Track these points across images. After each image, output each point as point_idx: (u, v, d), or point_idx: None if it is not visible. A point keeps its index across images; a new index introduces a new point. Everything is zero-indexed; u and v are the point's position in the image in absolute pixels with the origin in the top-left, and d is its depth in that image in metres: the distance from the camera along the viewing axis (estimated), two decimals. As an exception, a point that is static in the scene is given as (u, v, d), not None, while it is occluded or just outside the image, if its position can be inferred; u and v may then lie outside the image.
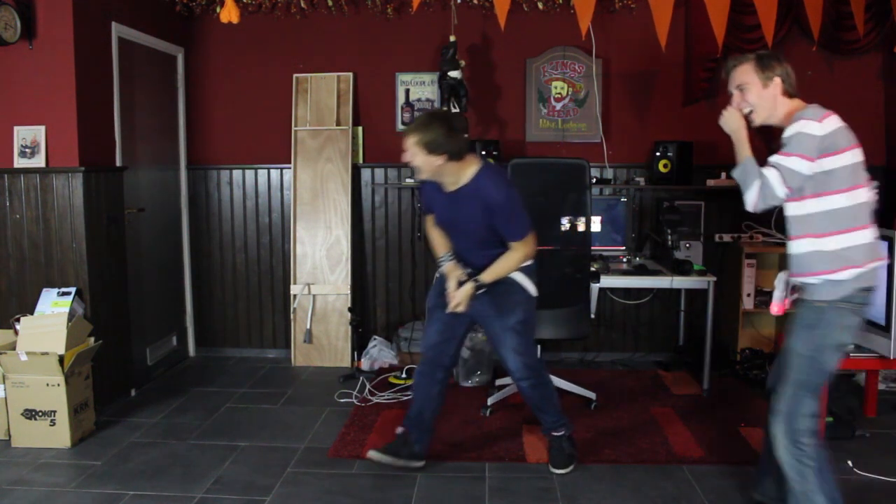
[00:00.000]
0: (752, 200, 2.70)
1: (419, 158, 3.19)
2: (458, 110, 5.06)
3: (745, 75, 2.82)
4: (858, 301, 2.66)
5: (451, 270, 3.45)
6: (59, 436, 3.84)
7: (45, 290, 4.12)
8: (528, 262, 3.45)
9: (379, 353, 5.25)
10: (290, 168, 5.44)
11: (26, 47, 4.09)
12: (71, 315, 3.95)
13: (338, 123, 5.39)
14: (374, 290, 5.61)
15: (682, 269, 4.53)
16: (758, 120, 2.84)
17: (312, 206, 5.39)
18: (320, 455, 3.79)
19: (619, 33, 5.27)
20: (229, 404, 4.54)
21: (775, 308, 3.00)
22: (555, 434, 3.63)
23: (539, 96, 5.38)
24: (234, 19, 4.29)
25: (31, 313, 4.04)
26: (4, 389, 3.87)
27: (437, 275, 3.64)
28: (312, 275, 5.38)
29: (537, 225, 4.05)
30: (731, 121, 2.84)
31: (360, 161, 5.49)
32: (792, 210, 2.72)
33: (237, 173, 5.54)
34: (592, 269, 4.31)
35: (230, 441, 3.95)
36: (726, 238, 5.22)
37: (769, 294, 4.94)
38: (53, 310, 4.01)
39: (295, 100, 5.43)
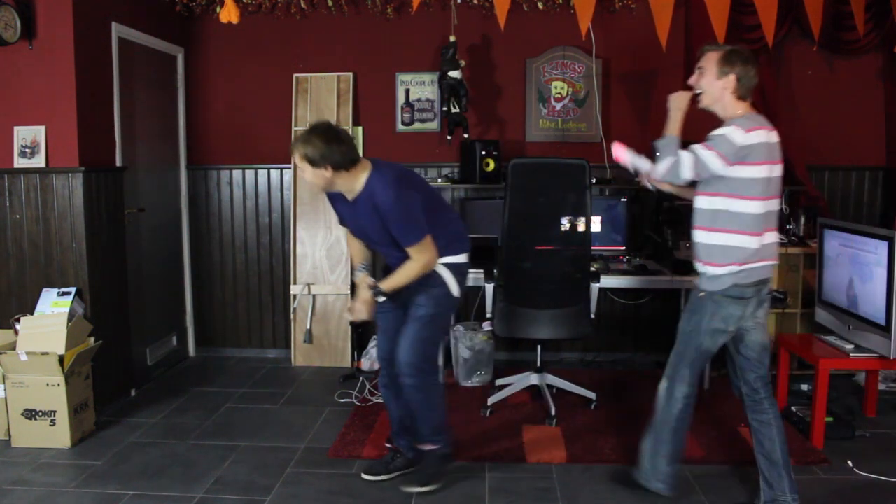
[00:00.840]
0: (661, 171, 2.97)
1: (308, 173, 3.13)
2: (458, 110, 5.06)
3: (707, 62, 3.02)
4: (737, 295, 2.96)
5: (361, 281, 3.37)
6: (59, 436, 3.85)
7: (45, 290, 4.12)
8: (460, 261, 3.38)
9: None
10: (290, 168, 5.44)
11: (26, 47, 4.09)
12: (71, 315, 3.95)
13: (338, 123, 5.39)
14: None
15: (683, 268, 4.52)
16: (703, 103, 3.06)
17: (312, 206, 5.38)
18: (320, 455, 3.79)
19: (619, 33, 5.27)
20: (229, 404, 4.54)
21: (621, 155, 3.22)
22: (423, 448, 3.47)
23: (539, 96, 5.38)
24: (234, 19, 4.30)
25: (31, 313, 4.04)
26: (4, 389, 3.87)
27: None
28: (312, 275, 5.38)
29: (538, 225, 4.09)
30: (678, 100, 3.11)
31: (360, 161, 5.48)
32: (701, 203, 3.01)
33: (237, 173, 5.54)
34: (592, 269, 4.31)
35: (230, 441, 3.95)
36: (726, 238, 5.21)
37: (769, 294, 4.96)
38: (53, 310, 4.01)
39: (295, 100, 5.43)
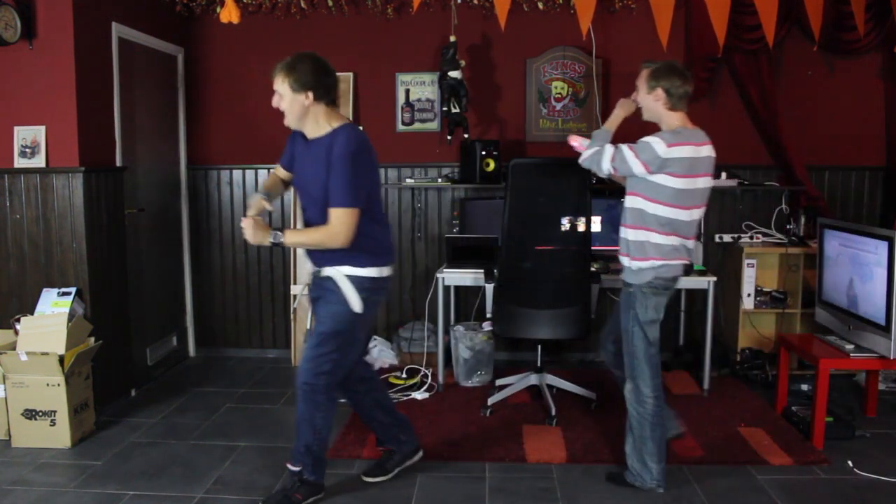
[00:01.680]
0: (586, 156, 3.31)
1: (285, 100, 3.01)
2: (458, 110, 5.06)
3: (640, 79, 3.28)
4: (660, 286, 3.28)
5: (256, 202, 3.20)
6: (59, 436, 3.85)
7: (45, 290, 4.12)
8: (369, 275, 3.11)
9: (379, 353, 5.25)
10: (290, 168, 5.43)
11: (26, 47, 4.09)
12: (71, 315, 3.95)
13: (338, 123, 5.39)
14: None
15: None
16: (644, 116, 3.33)
17: (312, 207, 5.38)
18: (320, 455, 3.78)
19: (619, 33, 5.27)
20: (229, 404, 4.54)
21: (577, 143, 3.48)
22: (291, 467, 3.26)
23: (539, 96, 5.38)
24: (235, 19, 4.30)
25: (32, 313, 4.04)
26: (5, 389, 3.87)
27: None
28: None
29: (538, 225, 4.08)
30: (625, 106, 3.43)
31: (361, 161, 5.48)
32: (627, 202, 3.29)
33: (237, 173, 5.54)
34: (592, 269, 4.31)
35: (230, 441, 3.95)
36: (726, 238, 5.22)
37: (769, 294, 4.98)
38: (53, 310, 4.01)
39: (295, 100, 5.42)
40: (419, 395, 4.60)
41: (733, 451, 3.78)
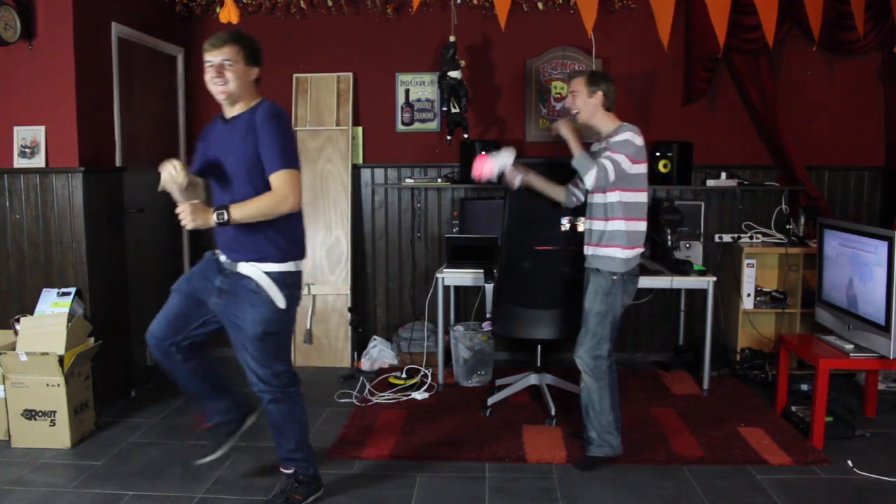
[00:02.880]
0: (592, 181, 3.46)
1: (238, 69, 2.94)
2: (458, 110, 5.06)
3: (577, 85, 3.60)
4: (637, 273, 3.66)
5: (197, 183, 3.04)
6: (58, 436, 3.84)
7: (44, 290, 4.12)
8: (288, 269, 3.04)
9: (379, 353, 5.25)
10: (289, 168, 5.43)
11: (26, 47, 4.09)
12: (71, 315, 3.95)
13: (337, 124, 5.40)
14: (374, 291, 5.61)
15: (682, 269, 4.53)
16: (580, 119, 3.64)
17: (312, 207, 5.38)
18: (320, 455, 3.77)
19: (618, 33, 5.28)
20: (229, 404, 4.53)
21: (481, 172, 3.72)
22: (284, 470, 3.26)
23: (539, 96, 5.38)
24: (234, 19, 4.30)
25: (31, 313, 4.04)
26: (4, 390, 3.86)
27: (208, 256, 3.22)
28: (312, 275, 5.38)
29: (537, 225, 4.08)
30: (562, 130, 3.63)
31: (360, 161, 5.49)
32: (598, 199, 3.59)
33: (237, 173, 5.53)
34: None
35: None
36: (726, 238, 5.23)
37: (769, 294, 4.98)
38: (53, 310, 4.01)
39: (295, 100, 5.43)
40: (419, 396, 4.60)
41: (733, 450, 3.78)
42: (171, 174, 2.86)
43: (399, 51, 5.39)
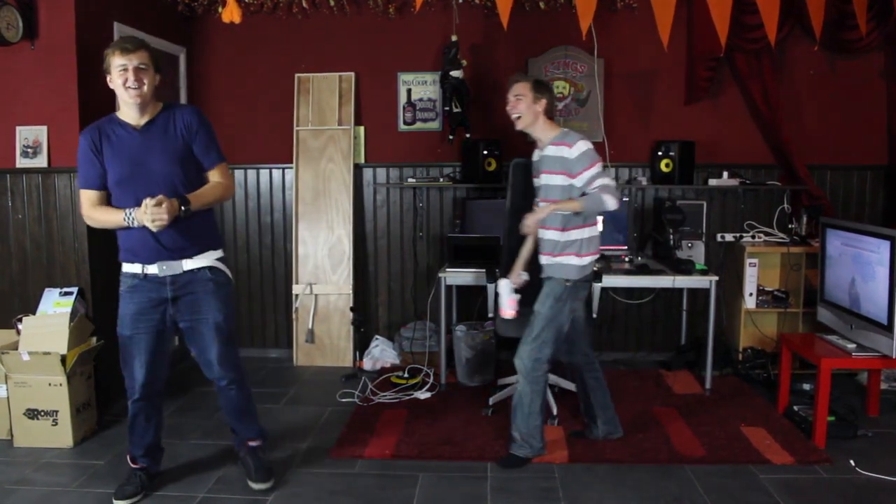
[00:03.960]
0: (613, 205, 3.40)
1: (150, 74, 3.01)
2: (459, 109, 5.07)
3: (523, 89, 3.55)
4: (590, 279, 3.69)
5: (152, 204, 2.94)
6: (61, 435, 3.85)
7: (47, 289, 4.13)
8: (223, 254, 3.29)
9: (381, 352, 5.25)
10: (291, 168, 5.44)
11: (28, 47, 4.10)
12: (73, 315, 3.95)
13: (339, 123, 5.40)
14: (376, 290, 5.61)
15: (684, 268, 4.52)
16: (520, 125, 3.59)
17: (314, 206, 5.39)
18: (322, 455, 3.79)
19: (620, 33, 5.27)
20: (231, 404, 4.54)
21: (510, 312, 3.69)
22: (252, 445, 3.48)
23: (541, 96, 5.37)
24: (236, 19, 4.30)
25: (34, 313, 4.04)
26: (7, 389, 3.87)
27: (123, 291, 3.25)
28: (314, 274, 5.39)
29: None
30: (532, 225, 3.56)
31: (362, 161, 5.49)
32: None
33: (239, 173, 5.54)
34: (594, 268, 4.30)
35: (232, 441, 3.94)
36: (728, 237, 5.22)
37: (771, 293, 4.98)
38: (56, 310, 4.01)
39: (297, 99, 5.43)
40: (421, 395, 4.60)
41: (735, 450, 3.78)
42: (167, 217, 2.94)
43: (401, 50, 5.39)
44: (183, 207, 2.98)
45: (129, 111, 3.09)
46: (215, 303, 3.20)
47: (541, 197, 3.65)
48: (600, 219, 3.66)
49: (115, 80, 3.02)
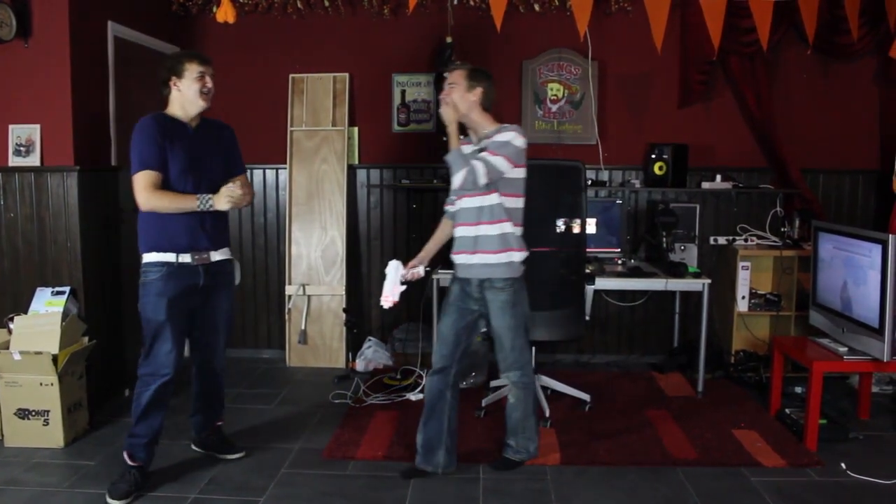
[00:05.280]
0: (459, 181, 3.27)
1: (210, 82, 3.38)
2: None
3: (457, 78, 3.37)
4: (522, 275, 3.47)
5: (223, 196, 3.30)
6: (52, 435, 3.83)
7: (39, 289, 4.11)
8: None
9: (374, 354, 5.25)
10: (285, 168, 5.43)
11: (21, 45, 4.08)
12: (65, 314, 3.94)
13: (333, 124, 5.39)
14: (369, 291, 5.61)
15: (677, 271, 4.54)
16: (449, 115, 3.37)
17: (308, 207, 5.38)
18: (315, 456, 3.78)
19: (615, 35, 5.28)
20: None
21: (390, 300, 3.47)
22: (219, 424, 3.82)
23: (535, 98, 5.39)
24: (231, 19, 4.29)
25: (25, 312, 4.02)
26: (-2, 389, 3.86)
27: (155, 279, 3.32)
28: (307, 275, 5.38)
29: (533, 226, 4.07)
30: (447, 115, 3.37)
31: (356, 162, 5.49)
32: (475, 202, 3.37)
33: (232, 173, 5.52)
34: (587, 270, 4.31)
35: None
36: (721, 241, 5.24)
37: (763, 296, 4.99)
38: (47, 309, 3.99)
39: (291, 100, 5.42)
40: (413, 396, 4.59)
41: (727, 452, 3.79)
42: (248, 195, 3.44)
43: (395, 51, 5.39)
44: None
45: (184, 112, 3.37)
46: (228, 293, 3.57)
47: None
48: (521, 221, 3.43)
49: (187, 84, 3.32)
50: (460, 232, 3.44)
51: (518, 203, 3.41)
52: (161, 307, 3.31)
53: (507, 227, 3.36)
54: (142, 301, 3.34)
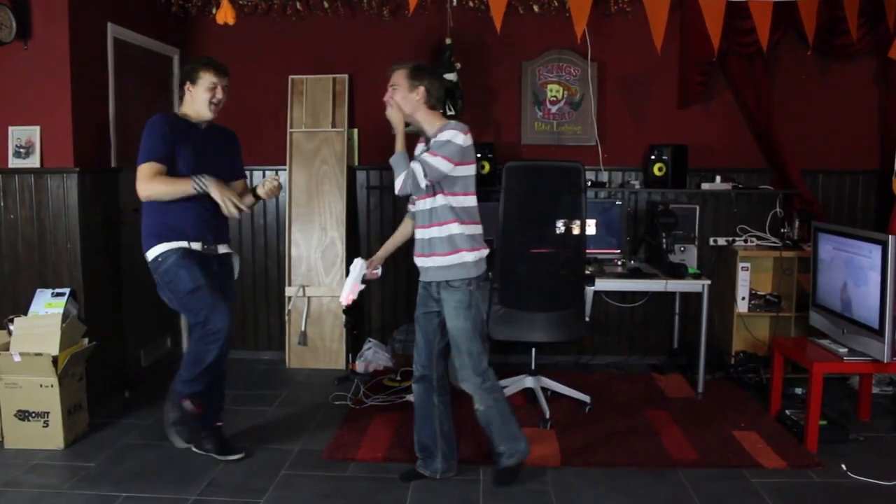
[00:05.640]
0: (398, 186, 3.21)
1: (221, 92, 3.63)
2: (453, 112, 5.06)
3: (398, 78, 3.28)
4: (485, 276, 3.39)
5: (221, 186, 3.41)
6: (52, 437, 3.83)
7: (39, 290, 4.11)
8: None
9: (374, 355, 5.24)
10: (285, 169, 5.43)
11: (21, 47, 4.08)
12: (65, 316, 3.94)
13: (333, 125, 5.39)
14: (368, 293, 5.61)
15: (677, 272, 4.54)
16: (394, 117, 3.31)
17: (308, 208, 5.38)
18: (314, 457, 3.78)
19: (614, 36, 5.28)
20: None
21: (350, 297, 3.46)
22: (219, 424, 3.83)
23: (534, 99, 5.39)
24: (231, 21, 4.29)
25: (25, 314, 4.02)
26: (-3, 390, 3.86)
27: (176, 260, 3.46)
28: (307, 277, 5.38)
29: (532, 227, 4.08)
30: (394, 116, 3.31)
31: (356, 163, 5.49)
32: (427, 204, 3.28)
33: (232, 175, 5.52)
34: (587, 271, 4.31)
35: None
36: (721, 241, 5.24)
37: (763, 297, 4.99)
38: (47, 310, 3.99)
39: (290, 101, 5.42)
40: (413, 398, 4.58)
41: (727, 454, 3.78)
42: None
43: (395, 53, 5.37)
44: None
45: (195, 115, 3.57)
46: (230, 287, 3.73)
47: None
48: (475, 218, 3.35)
49: (198, 91, 3.54)
50: (417, 234, 3.38)
51: (467, 202, 3.30)
52: (195, 275, 3.42)
53: (455, 228, 3.26)
54: (171, 283, 3.46)
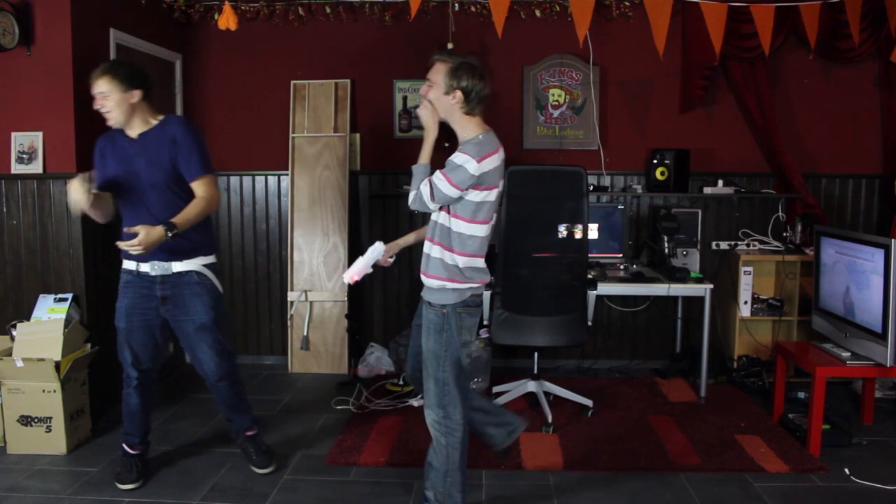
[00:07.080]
0: (410, 202, 2.95)
1: (114, 97, 3.19)
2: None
3: (436, 74, 2.94)
4: (474, 304, 2.99)
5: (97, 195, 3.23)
6: (54, 442, 3.83)
7: (41, 296, 4.12)
8: (215, 260, 3.48)
9: (376, 360, 5.24)
10: (287, 175, 5.44)
11: (24, 53, 4.09)
12: (67, 321, 3.94)
13: (335, 130, 5.40)
14: (371, 297, 5.61)
15: (679, 276, 4.53)
16: (427, 119, 3.01)
17: (310, 213, 5.39)
18: (317, 462, 3.78)
19: (616, 41, 5.29)
20: (226, 411, 4.53)
21: (353, 277, 3.35)
22: (249, 434, 3.72)
23: (536, 104, 5.39)
24: (233, 26, 4.31)
25: (28, 319, 4.03)
26: (0, 396, 3.85)
27: (121, 286, 3.44)
28: (310, 281, 5.38)
29: (535, 232, 4.09)
30: (426, 119, 3.00)
31: (358, 168, 5.50)
32: (441, 219, 2.95)
33: (234, 180, 5.54)
34: (589, 276, 4.31)
35: (226, 448, 3.94)
36: (723, 245, 5.24)
37: (766, 301, 4.99)
38: (50, 316, 4.00)
39: (293, 106, 5.43)
40: (416, 402, 4.59)
41: (730, 458, 3.78)
42: (78, 194, 3.10)
43: (397, 58, 5.40)
44: (170, 233, 3.10)
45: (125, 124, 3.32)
46: (201, 305, 3.39)
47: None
48: (474, 250, 2.93)
49: None
50: (424, 245, 3.05)
51: (473, 230, 2.90)
52: (121, 315, 3.46)
53: (447, 257, 2.91)
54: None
